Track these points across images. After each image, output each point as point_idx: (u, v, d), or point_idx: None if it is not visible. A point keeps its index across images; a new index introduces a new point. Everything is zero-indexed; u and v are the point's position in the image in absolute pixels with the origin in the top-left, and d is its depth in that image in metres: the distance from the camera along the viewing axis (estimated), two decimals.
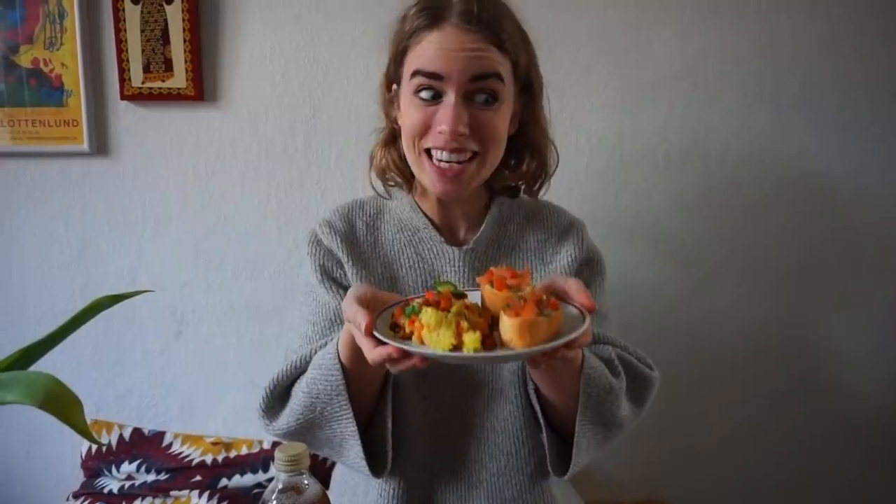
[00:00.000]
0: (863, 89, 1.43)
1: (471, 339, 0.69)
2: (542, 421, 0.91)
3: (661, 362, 1.00)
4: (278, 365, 0.92)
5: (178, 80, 1.39)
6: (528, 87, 0.94)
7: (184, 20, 1.37)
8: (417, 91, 0.88)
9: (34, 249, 1.47)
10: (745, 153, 1.45)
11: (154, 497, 1.26)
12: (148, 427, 1.36)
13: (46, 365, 0.61)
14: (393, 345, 0.69)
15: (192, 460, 1.30)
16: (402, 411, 0.92)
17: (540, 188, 1.02)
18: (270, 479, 1.27)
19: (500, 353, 0.71)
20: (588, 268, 1.02)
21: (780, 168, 1.47)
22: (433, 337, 0.69)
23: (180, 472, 1.29)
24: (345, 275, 0.97)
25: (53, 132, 1.41)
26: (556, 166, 1.01)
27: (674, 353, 1.48)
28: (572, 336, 0.69)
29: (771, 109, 1.44)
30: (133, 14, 1.37)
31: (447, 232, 0.99)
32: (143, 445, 1.33)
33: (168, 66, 1.39)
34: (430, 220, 0.99)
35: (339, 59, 1.41)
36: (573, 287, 0.77)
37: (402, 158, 0.97)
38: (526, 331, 0.68)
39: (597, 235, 1.06)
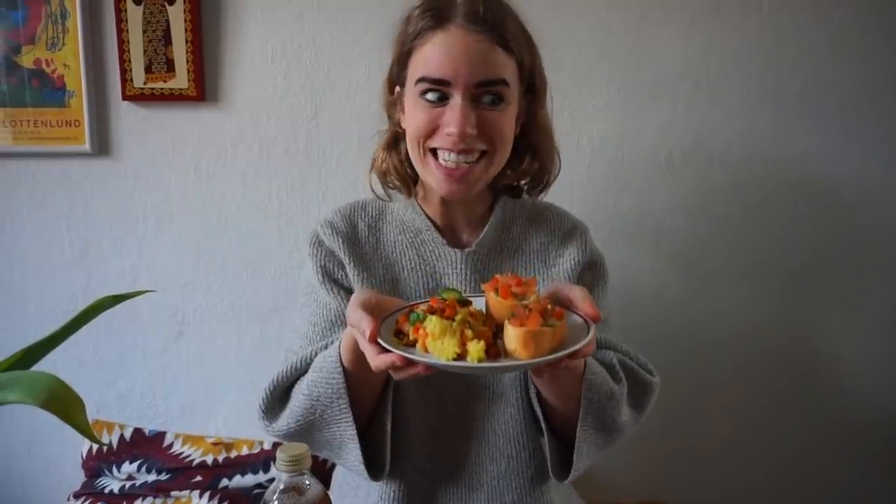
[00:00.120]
0: (865, 90, 1.43)
1: (475, 349, 0.69)
2: (543, 426, 0.91)
3: (662, 364, 1.00)
4: (278, 366, 0.92)
5: (180, 80, 1.39)
6: (532, 88, 0.94)
7: (186, 21, 1.37)
8: (423, 93, 0.88)
9: (36, 249, 1.47)
10: (748, 154, 1.45)
11: (155, 497, 1.25)
12: (149, 427, 1.36)
13: (48, 365, 0.61)
14: (397, 353, 0.69)
15: (192, 460, 1.30)
16: (402, 414, 0.92)
17: (542, 190, 1.01)
18: (271, 480, 1.27)
19: (503, 363, 0.71)
20: (591, 271, 1.01)
21: (783, 169, 1.46)
22: (437, 345, 0.69)
23: (181, 473, 1.29)
24: (346, 276, 0.96)
25: (55, 132, 1.41)
26: (559, 172, 1.01)
27: (675, 355, 1.48)
28: (576, 347, 0.69)
29: (773, 110, 1.44)
30: (135, 14, 1.37)
31: (449, 234, 0.99)
32: (144, 445, 1.33)
33: (170, 67, 1.39)
34: (432, 222, 0.98)
35: (341, 60, 1.41)
36: (578, 296, 0.76)
37: (404, 162, 0.97)
38: (530, 341, 0.68)
39: (598, 237, 1.06)
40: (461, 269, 0.96)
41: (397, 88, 0.95)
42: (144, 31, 1.37)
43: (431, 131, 0.88)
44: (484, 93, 0.87)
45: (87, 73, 1.39)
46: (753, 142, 1.45)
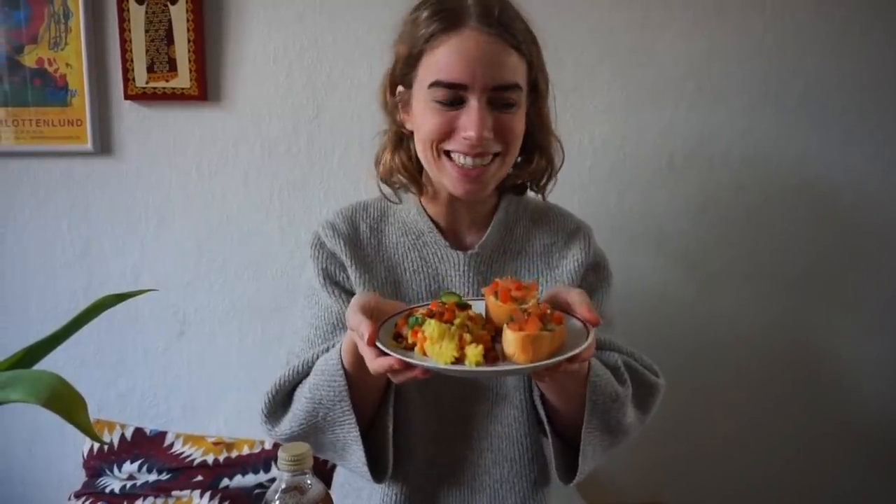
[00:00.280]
0: (867, 91, 1.43)
1: (473, 353, 0.69)
2: (547, 428, 0.91)
3: (664, 366, 0.99)
4: (280, 369, 0.92)
5: (182, 79, 1.39)
6: (535, 86, 0.94)
7: (188, 20, 1.37)
8: (437, 97, 0.86)
9: (37, 249, 1.47)
10: (750, 156, 1.45)
11: (155, 497, 1.25)
12: (150, 427, 1.36)
13: (49, 364, 0.61)
14: (395, 356, 0.69)
15: (193, 460, 1.30)
16: (405, 417, 0.92)
17: (546, 184, 1.01)
18: (272, 480, 1.27)
19: (501, 367, 0.71)
20: (595, 273, 1.01)
21: (785, 171, 1.46)
22: (435, 349, 0.70)
23: (182, 472, 1.29)
24: (348, 278, 0.96)
25: (57, 132, 1.41)
26: (563, 162, 1.01)
27: (677, 357, 1.48)
28: (574, 352, 0.69)
29: (775, 111, 1.44)
30: (137, 14, 1.37)
31: (452, 236, 0.98)
32: (145, 445, 1.33)
33: (172, 66, 1.39)
34: (435, 223, 0.97)
35: (343, 59, 1.41)
36: (576, 300, 0.76)
37: (412, 160, 0.96)
38: (529, 345, 0.69)
39: (600, 238, 1.06)
40: (464, 271, 0.96)
41: (400, 88, 0.93)
42: (147, 31, 1.37)
43: (447, 134, 0.87)
44: (498, 96, 0.86)
45: (90, 73, 1.39)
46: (755, 143, 1.45)
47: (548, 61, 0.96)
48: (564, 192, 1.08)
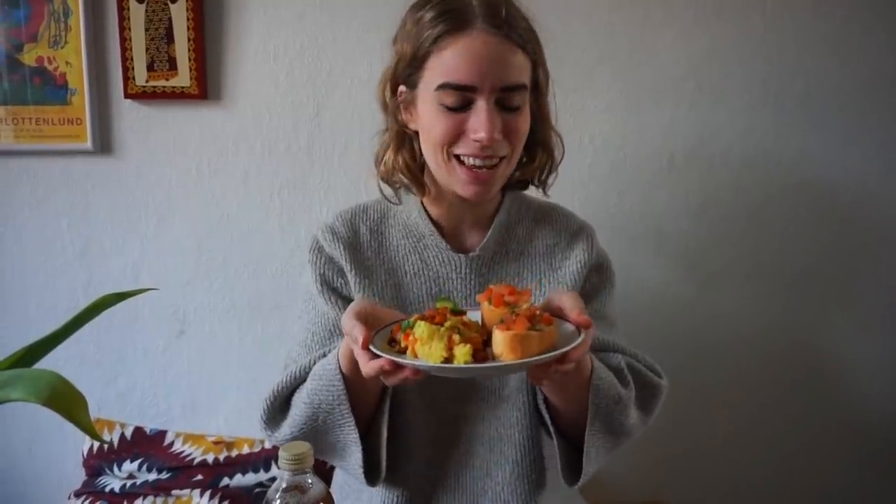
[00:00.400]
0: (867, 90, 1.43)
1: (461, 352, 0.70)
2: (551, 430, 0.90)
3: (664, 365, 0.99)
4: (278, 375, 0.92)
5: (182, 78, 1.39)
6: (536, 84, 0.93)
7: (188, 19, 1.37)
8: (445, 99, 0.85)
9: (37, 248, 1.47)
10: (750, 156, 1.45)
11: (155, 496, 1.25)
12: (150, 426, 1.36)
13: (49, 363, 0.61)
14: (385, 357, 0.71)
15: (193, 459, 1.30)
16: (404, 419, 0.92)
17: (548, 178, 1.00)
18: (272, 479, 1.27)
19: (489, 364, 0.72)
20: (598, 274, 1.01)
21: (785, 171, 1.46)
22: (425, 349, 0.71)
23: (182, 472, 1.29)
24: (346, 283, 0.95)
25: (57, 130, 1.41)
26: (563, 155, 1.00)
27: (678, 357, 1.47)
28: (563, 350, 0.70)
29: (775, 111, 1.44)
30: (137, 13, 1.37)
31: (454, 237, 0.98)
32: (145, 444, 1.33)
33: (172, 65, 1.39)
34: (436, 225, 0.97)
35: (344, 58, 1.41)
36: (567, 304, 0.76)
37: (415, 160, 0.94)
38: (517, 345, 0.69)
39: (600, 238, 1.05)
40: (465, 273, 0.95)
41: (402, 88, 0.92)
42: (147, 29, 1.37)
43: (456, 137, 0.87)
44: (505, 97, 0.86)
45: (90, 71, 1.39)
46: (755, 143, 1.45)
47: (548, 61, 0.95)
48: (565, 192, 1.08)
